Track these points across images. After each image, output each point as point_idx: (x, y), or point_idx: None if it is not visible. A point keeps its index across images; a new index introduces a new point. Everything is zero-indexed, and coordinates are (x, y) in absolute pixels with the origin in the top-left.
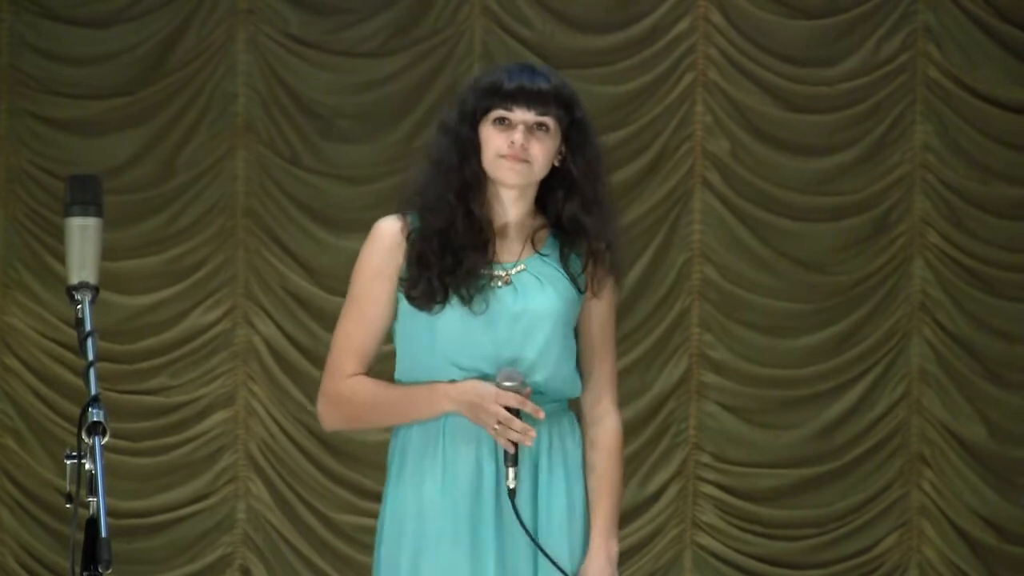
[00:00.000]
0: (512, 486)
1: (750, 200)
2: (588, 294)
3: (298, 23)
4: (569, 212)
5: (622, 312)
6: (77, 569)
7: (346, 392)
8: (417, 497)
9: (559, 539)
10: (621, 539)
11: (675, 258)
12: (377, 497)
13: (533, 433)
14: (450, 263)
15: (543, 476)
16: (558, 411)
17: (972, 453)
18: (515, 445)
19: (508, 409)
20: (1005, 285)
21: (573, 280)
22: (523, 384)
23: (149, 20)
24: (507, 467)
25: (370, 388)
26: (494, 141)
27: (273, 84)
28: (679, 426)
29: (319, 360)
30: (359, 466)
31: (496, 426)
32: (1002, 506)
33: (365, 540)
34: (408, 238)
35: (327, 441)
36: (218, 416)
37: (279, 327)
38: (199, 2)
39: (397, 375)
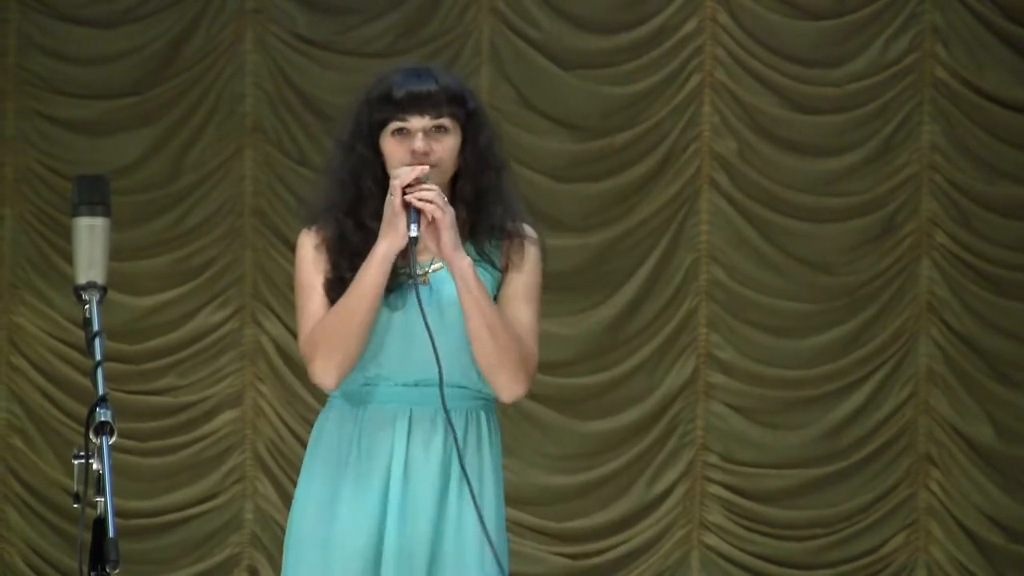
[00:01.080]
0: (415, 234)
1: (757, 201)
2: (507, 271)
3: (306, 23)
4: (470, 200)
5: (629, 312)
6: (85, 569)
7: (317, 327)
8: (328, 490)
9: (469, 548)
10: (628, 539)
11: (682, 259)
12: None
13: (422, 168)
14: (349, 271)
15: (455, 472)
16: (479, 408)
17: (979, 453)
18: (417, 212)
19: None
20: (1013, 285)
21: (491, 263)
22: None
23: (157, 20)
24: (410, 223)
25: (330, 309)
26: (396, 153)
27: (281, 84)
28: (686, 426)
29: None
30: None
31: (394, 188)
32: (1009, 506)
33: None
34: (324, 247)
35: None
36: (226, 416)
37: (287, 327)
38: (207, 2)
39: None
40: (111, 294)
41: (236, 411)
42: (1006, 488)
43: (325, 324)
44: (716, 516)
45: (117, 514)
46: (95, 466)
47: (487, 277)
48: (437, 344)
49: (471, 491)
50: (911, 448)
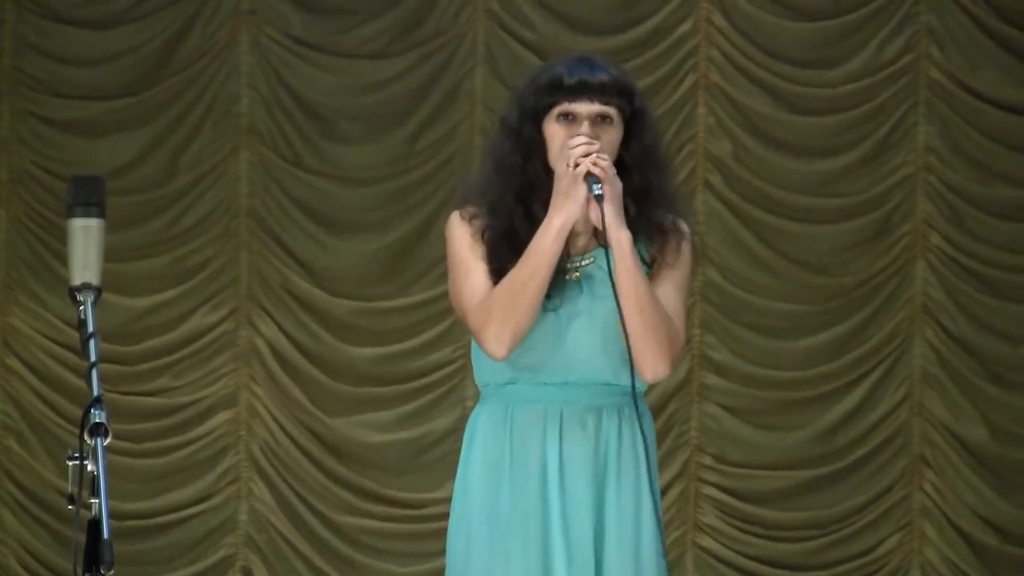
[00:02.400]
0: (599, 192)
1: (752, 202)
2: (657, 266)
3: (301, 25)
4: (635, 196)
5: None
6: (79, 570)
7: (489, 297)
8: (487, 488)
9: (624, 552)
10: None
11: None
12: (379, 499)
13: (595, 141)
14: (515, 263)
15: (611, 472)
16: (629, 403)
17: (974, 455)
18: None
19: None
20: (1007, 287)
21: (641, 258)
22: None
23: (152, 21)
24: (591, 184)
25: (502, 280)
26: (560, 137)
27: (276, 86)
28: (681, 428)
29: (322, 361)
30: (361, 468)
31: (571, 156)
32: (1004, 507)
33: (367, 541)
34: (482, 237)
35: (329, 442)
36: (220, 417)
37: (281, 329)
38: (202, 3)
39: (476, 376)
40: (106, 295)
41: (231, 412)
42: (1000, 489)
43: (498, 294)
44: (710, 517)
45: (111, 515)
46: (90, 467)
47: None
48: (583, 335)
49: (650, 480)
50: (905, 449)
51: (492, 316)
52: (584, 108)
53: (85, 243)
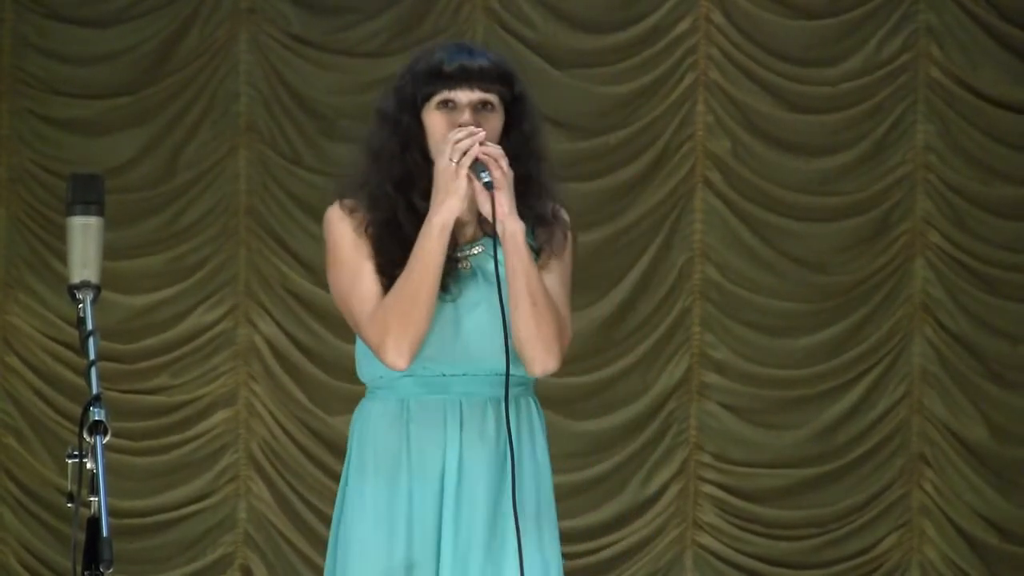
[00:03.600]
0: (488, 179)
1: (751, 200)
2: (541, 255)
3: (300, 23)
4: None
5: (623, 311)
6: (79, 568)
7: (382, 309)
8: (381, 487)
9: (528, 535)
10: (621, 539)
11: (676, 258)
12: None
13: (479, 130)
14: (400, 256)
15: (508, 475)
16: (523, 394)
17: (973, 453)
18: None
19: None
20: (1007, 285)
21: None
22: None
23: (151, 20)
24: (479, 173)
25: (392, 288)
26: (441, 127)
27: (275, 84)
28: (680, 426)
29: (320, 359)
30: None
31: (455, 150)
32: (1003, 506)
33: None
34: (366, 231)
35: (328, 440)
36: (219, 415)
37: (280, 326)
38: (201, 2)
39: (363, 371)
40: (105, 293)
41: (229, 410)
42: (1000, 488)
43: (391, 304)
44: (709, 515)
45: (111, 513)
46: (89, 465)
47: None
48: (480, 326)
49: (512, 484)
50: (905, 448)
51: (389, 329)
52: (465, 96)
53: (84, 241)
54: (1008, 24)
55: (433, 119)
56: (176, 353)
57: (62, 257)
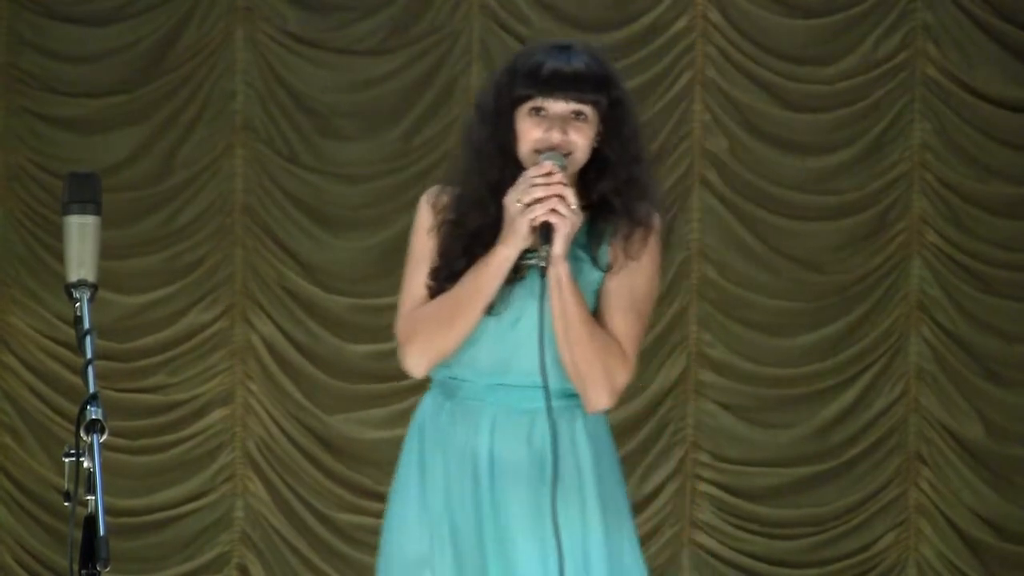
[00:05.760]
0: (544, 264)
1: (748, 199)
2: (612, 269)
3: (296, 21)
4: (601, 193)
5: None
6: (75, 567)
7: (418, 315)
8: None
9: (572, 554)
10: None
11: (673, 257)
12: (375, 495)
13: (559, 177)
14: (463, 266)
15: (547, 474)
16: (567, 407)
17: (970, 452)
18: (548, 232)
19: (543, 231)
20: (1003, 284)
21: (595, 262)
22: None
23: (147, 18)
24: (543, 244)
25: (438, 297)
26: (531, 133)
27: (271, 82)
28: (677, 424)
29: (317, 358)
30: (357, 465)
31: (527, 192)
32: (1000, 505)
33: (363, 539)
34: (439, 229)
35: (325, 439)
36: (216, 414)
37: (277, 325)
38: (197, 0)
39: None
40: (101, 292)
41: (226, 409)
42: (996, 486)
43: (426, 316)
44: (706, 514)
45: (107, 512)
46: (86, 464)
47: (592, 277)
48: (520, 339)
49: (553, 499)
50: (901, 446)
51: (416, 337)
52: (557, 106)
53: (81, 240)
54: (1005, 22)
55: (524, 124)
56: (173, 352)
57: (59, 256)
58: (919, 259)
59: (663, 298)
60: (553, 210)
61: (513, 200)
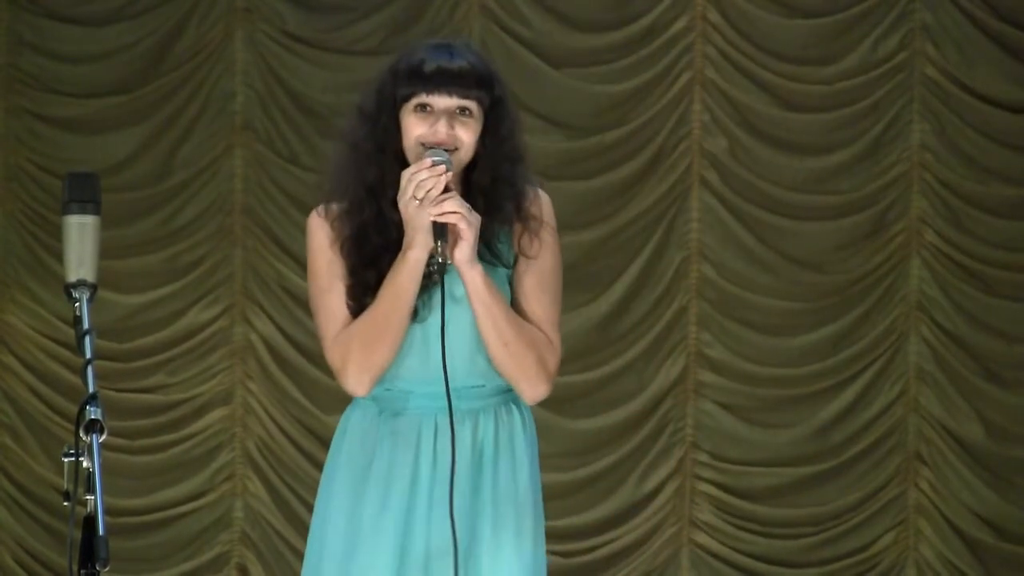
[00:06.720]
0: (442, 260)
1: (748, 199)
2: (520, 261)
3: (296, 21)
4: (484, 189)
5: (619, 310)
6: (75, 567)
7: (346, 336)
8: (352, 496)
9: (506, 542)
10: (617, 538)
11: (673, 257)
12: None
13: (442, 168)
14: (373, 278)
15: (487, 467)
16: (503, 403)
17: (969, 452)
18: (443, 229)
19: (436, 229)
20: (1002, 284)
21: (498, 258)
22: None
23: (147, 18)
24: (435, 241)
25: (361, 315)
26: (416, 129)
27: (271, 82)
28: (676, 424)
29: (317, 358)
30: None
31: (418, 187)
32: (999, 505)
33: None
34: (341, 249)
35: (325, 439)
36: (215, 414)
37: (277, 325)
38: (197, 0)
39: None
40: (101, 292)
41: (226, 409)
42: (996, 486)
43: (355, 334)
44: (706, 514)
45: (107, 512)
46: (85, 464)
47: (499, 275)
48: (451, 345)
49: (451, 507)
50: (901, 446)
51: (351, 357)
52: (442, 101)
53: (80, 240)
54: (1004, 23)
55: (409, 122)
56: (172, 352)
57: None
58: (918, 259)
59: (662, 298)
60: (458, 213)
61: (406, 200)
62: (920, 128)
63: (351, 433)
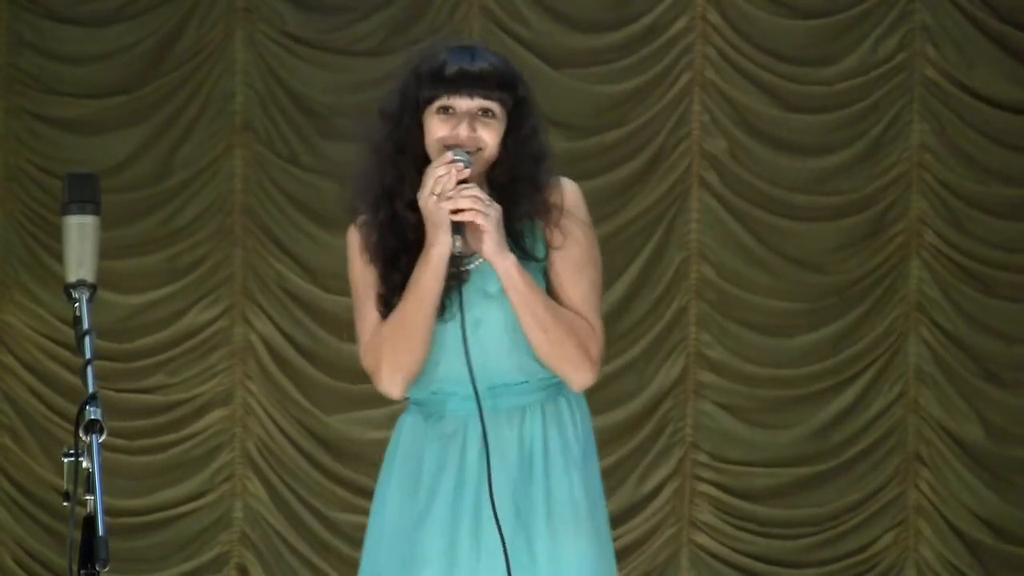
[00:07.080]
0: (457, 251)
1: (747, 199)
2: (550, 252)
3: (296, 22)
4: (505, 188)
5: (619, 310)
6: (75, 567)
7: (376, 338)
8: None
9: (564, 537)
10: (617, 538)
11: (672, 257)
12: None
13: (460, 164)
14: (399, 280)
15: (538, 464)
16: (552, 396)
17: (969, 452)
18: (460, 224)
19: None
20: (1002, 285)
21: (527, 253)
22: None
23: (147, 19)
24: (452, 236)
25: (388, 317)
26: (438, 131)
27: (271, 83)
28: (676, 425)
29: (317, 358)
30: (356, 465)
31: (436, 184)
32: (998, 505)
33: (362, 539)
34: (370, 259)
35: (324, 439)
36: (215, 414)
37: (276, 326)
38: (197, 1)
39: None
40: (101, 292)
41: (225, 409)
42: (995, 487)
43: (384, 337)
44: (705, 514)
45: (107, 512)
46: (85, 464)
47: (531, 268)
48: (488, 343)
49: (493, 506)
50: (900, 447)
51: (383, 359)
52: (464, 103)
53: (80, 240)
54: (1004, 24)
55: (432, 124)
56: (172, 352)
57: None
58: (918, 260)
59: (662, 298)
60: (473, 208)
61: (425, 197)
62: (920, 128)
63: (404, 438)
